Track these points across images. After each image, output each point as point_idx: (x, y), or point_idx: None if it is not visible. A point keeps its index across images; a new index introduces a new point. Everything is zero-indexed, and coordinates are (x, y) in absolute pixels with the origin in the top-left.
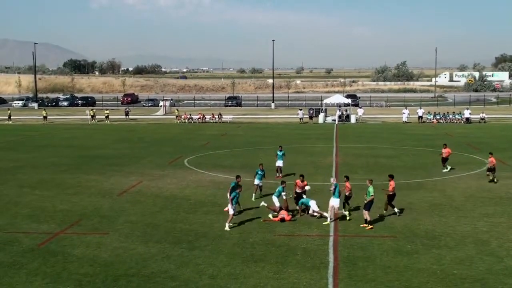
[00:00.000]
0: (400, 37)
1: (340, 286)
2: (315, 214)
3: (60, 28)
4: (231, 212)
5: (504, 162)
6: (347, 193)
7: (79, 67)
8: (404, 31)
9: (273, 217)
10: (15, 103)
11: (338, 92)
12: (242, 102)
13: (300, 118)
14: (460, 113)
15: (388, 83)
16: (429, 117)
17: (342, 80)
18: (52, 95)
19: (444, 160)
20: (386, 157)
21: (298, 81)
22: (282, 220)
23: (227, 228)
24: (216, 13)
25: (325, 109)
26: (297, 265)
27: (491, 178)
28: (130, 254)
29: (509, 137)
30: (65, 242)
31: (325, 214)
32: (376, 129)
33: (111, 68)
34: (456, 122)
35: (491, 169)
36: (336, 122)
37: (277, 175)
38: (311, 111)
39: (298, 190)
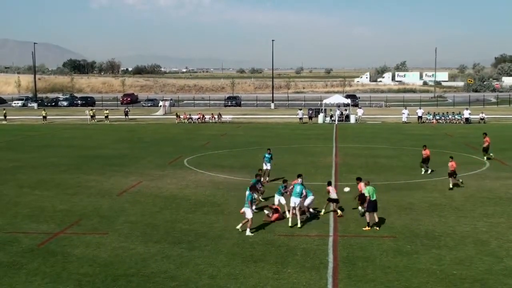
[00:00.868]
0: (400, 37)
1: (339, 286)
2: (310, 211)
3: (60, 28)
4: (249, 216)
5: (503, 163)
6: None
7: (79, 67)
8: (404, 31)
9: (270, 216)
10: (15, 103)
11: (337, 92)
12: (242, 102)
13: (300, 118)
14: (459, 113)
15: (387, 83)
16: (428, 117)
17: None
18: (52, 95)
19: (424, 161)
20: (386, 157)
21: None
22: (279, 219)
23: (248, 233)
24: (216, 13)
25: (325, 109)
26: (297, 265)
27: (452, 183)
28: (129, 254)
29: (509, 137)
30: (65, 242)
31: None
32: (375, 129)
33: (111, 68)
34: (456, 122)
35: (452, 174)
36: (336, 122)
37: (266, 179)
38: (311, 111)
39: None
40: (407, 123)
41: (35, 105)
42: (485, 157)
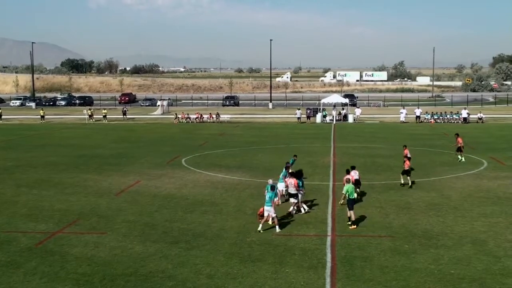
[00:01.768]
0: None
1: (337, 286)
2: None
3: (58, 27)
4: (273, 214)
5: (502, 162)
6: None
7: (77, 66)
8: (402, 31)
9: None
10: (13, 103)
11: (335, 92)
12: (240, 102)
13: (298, 118)
14: (457, 113)
15: (385, 82)
16: (426, 117)
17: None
18: (50, 95)
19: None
20: (384, 157)
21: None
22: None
23: (278, 230)
24: (214, 13)
25: (323, 109)
26: (295, 265)
27: (404, 182)
28: (127, 254)
29: (507, 137)
30: (63, 241)
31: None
32: (373, 129)
33: (109, 68)
34: (454, 122)
35: (406, 172)
36: (334, 121)
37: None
38: (309, 111)
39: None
40: (405, 122)
41: (33, 104)
42: (459, 156)
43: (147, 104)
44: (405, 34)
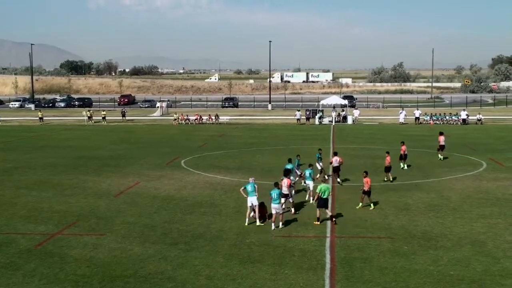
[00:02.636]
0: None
1: (337, 287)
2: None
3: (57, 29)
4: (280, 211)
5: (501, 163)
6: (366, 188)
7: (76, 68)
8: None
9: None
10: (12, 104)
11: (335, 93)
12: (239, 103)
13: (298, 119)
14: (456, 114)
15: (384, 84)
16: (425, 118)
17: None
18: (49, 96)
19: (402, 158)
20: (383, 158)
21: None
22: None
23: (281, 226)
24: (213, 14)
25: (322, 110)
26: (294, 266)
27: (386, 179)
28: (127, 255)
29: (506, 138)
30: (62, 243)
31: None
32: (373, 130)
33: (108, 69)
34: (453, 123)
35: (388, 168)
36: (333, 123)
37: (317, 176)
38: (308, 112)
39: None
40: (404, 124)
41: (32, 106)
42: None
43: (146, 105)
44: (404, 35)
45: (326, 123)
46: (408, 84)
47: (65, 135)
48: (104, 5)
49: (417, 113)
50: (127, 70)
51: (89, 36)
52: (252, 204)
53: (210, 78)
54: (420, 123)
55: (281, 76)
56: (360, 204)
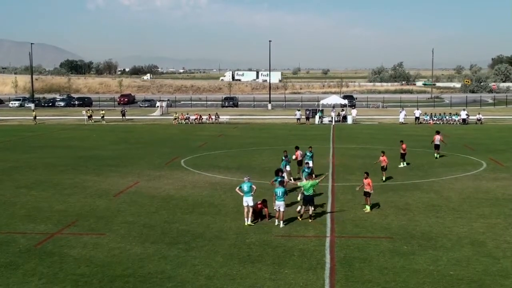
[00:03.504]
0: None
1: (336, 287)
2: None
3: (57, 28)
4: (282, 209)
5: (500, 163)
6: (367, 190)
7: (76, 67)
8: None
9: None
10: (12, 104)
11: (335, 93)
12: (239, 103)
13: (298, 119)
14: (456, 114)
15: (384, 84)
16: (425, 118)
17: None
18: (49, 96)
19: (402, 156)
20: None
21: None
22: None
23: (282, 225)
24: (213, 14)
25: (321, 110)
26: (294, 266)
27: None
28: (126, 255)
29: (506, 138)
30: (62, 242)
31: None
32: (372, 130)
33: (108, 69)
34: (453, 123)
35: (384, 168)
36: (333, 123)
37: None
38: (308, 112)
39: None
40: (404, 124)
41: (32, 105)
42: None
43: (146, 105)
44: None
45: (326, 123)
46: (411, 87)
47: (64, 134)
48: (103, 5)
49: (417, 113)
50: (127, 69)
51: (89, 36)
52: (247, 204)
53: (225, 76)
54: (420, 123)
55: (232, 74)
56: (367, 207)
